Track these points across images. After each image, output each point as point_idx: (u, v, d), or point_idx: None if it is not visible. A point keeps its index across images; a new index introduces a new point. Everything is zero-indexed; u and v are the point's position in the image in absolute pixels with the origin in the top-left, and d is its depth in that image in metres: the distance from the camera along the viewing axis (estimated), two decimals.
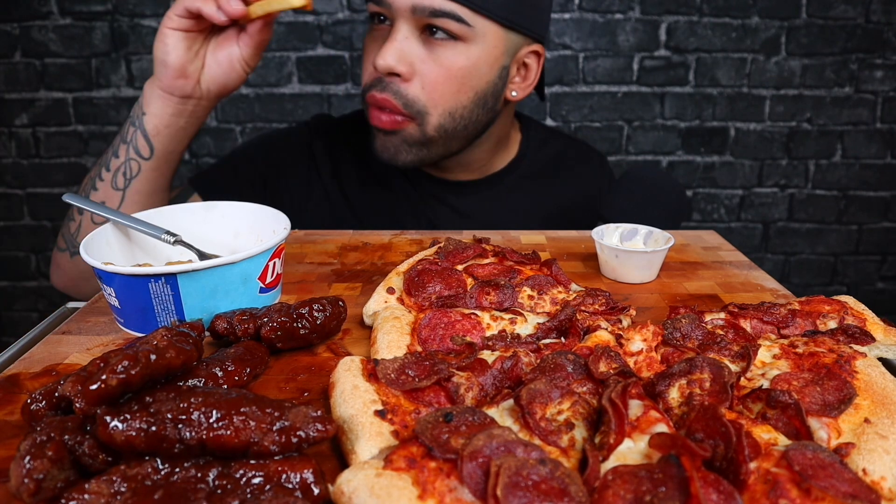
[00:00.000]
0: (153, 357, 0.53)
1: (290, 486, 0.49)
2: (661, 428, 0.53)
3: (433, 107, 1.23)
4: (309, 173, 1.45)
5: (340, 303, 0.78)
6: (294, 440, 0.50)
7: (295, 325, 0.73)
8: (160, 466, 0.49)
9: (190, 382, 0.61)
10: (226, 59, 1.13)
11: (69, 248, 1.18)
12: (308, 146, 1.47)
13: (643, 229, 1.04)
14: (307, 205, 1.44)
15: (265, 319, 0.73)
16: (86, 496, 0.46)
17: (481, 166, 1.43)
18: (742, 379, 0.64)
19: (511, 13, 1.22)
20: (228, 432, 0.49)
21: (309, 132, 1.49)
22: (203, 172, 1.42)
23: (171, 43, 1.08)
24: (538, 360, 0.66)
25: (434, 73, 1.21)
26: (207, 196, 1.30)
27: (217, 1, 1.05)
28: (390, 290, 0.85)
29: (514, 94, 1.35)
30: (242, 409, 0.51)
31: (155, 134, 1.12)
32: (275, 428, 0.51)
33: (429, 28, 1.19)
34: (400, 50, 1.18)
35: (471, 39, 1.20)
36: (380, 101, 1.22)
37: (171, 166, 1.18)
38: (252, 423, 0.50)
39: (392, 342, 0.72)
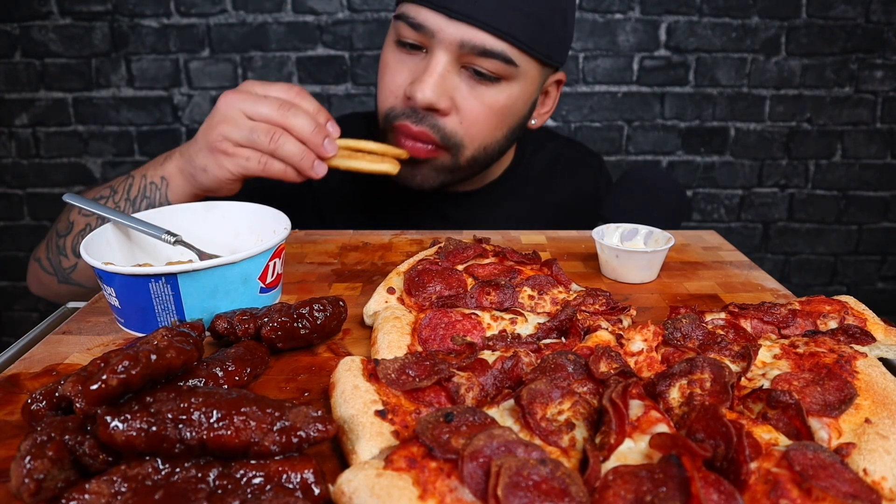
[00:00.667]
0: (153, 357, 0.53)
1: (291, 486, 0.49)
2: (662, 428, 0.53)
3: (470, 141, 1.21)
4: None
5: (341, 303, 0.78)
6: (294, 440, 0.50)
7: (295, 325, 0.73)
8: (160, 466, 0.49)
9: (190, 382, 0.61)
10: None
11: (57, 276, 1.16)
12: None
13: (643, 229, 1.04)
14: (301, 212, 1.43)
15: (265, 319, 0.73)
16: (86, 496, 0.46)
17: (482, 178, 1.43)
18: (742, 379, 0.64)
19: (551, 49, 1.19)
20: (229, 432, 0.49)
21: None
22: None
23: (227, 185, 1.07)
24: (539, 360, 0.66)
25: (475, 110, 1.17)
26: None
27: (301, 169, 1.04)
28: (391, 290, 0.85)
29: (533, 122, 1.34)
30: (243, 409, 0.51)
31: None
32: (275, 428, 0.51)
33: (470, 66, 1.14)
34: (441, 85, 1.13)
35: (513, 78, 1.17)
36: (416, 133, 1.17)
37: None
38: (252, 423, 0.50)
39: (392, 342, 0.72)
